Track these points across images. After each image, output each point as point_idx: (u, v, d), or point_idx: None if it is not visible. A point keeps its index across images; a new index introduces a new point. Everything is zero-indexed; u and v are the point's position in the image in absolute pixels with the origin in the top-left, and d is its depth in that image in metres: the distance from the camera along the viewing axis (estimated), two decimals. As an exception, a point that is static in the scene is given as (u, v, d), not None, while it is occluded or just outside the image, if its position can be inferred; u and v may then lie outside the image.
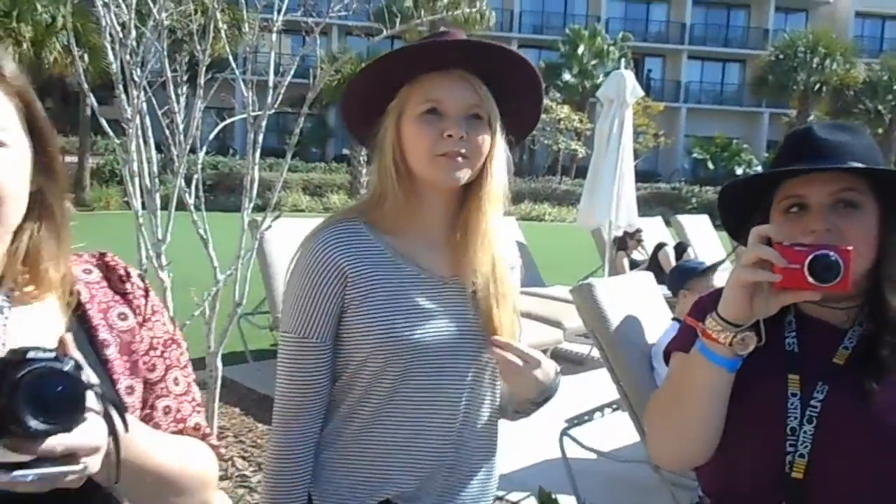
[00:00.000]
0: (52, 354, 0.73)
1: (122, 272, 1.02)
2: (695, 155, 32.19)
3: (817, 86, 26.67)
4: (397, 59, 1.30)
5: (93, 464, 0.75)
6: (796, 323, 1.19)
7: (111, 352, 0.95)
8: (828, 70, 26.48)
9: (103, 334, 0.95)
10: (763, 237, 1.08)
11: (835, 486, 1.09)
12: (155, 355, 1.01)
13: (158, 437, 0.93)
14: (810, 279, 1.03)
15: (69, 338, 0.78)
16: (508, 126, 1.34)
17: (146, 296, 1.03)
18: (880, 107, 26.18)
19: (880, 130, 25.76)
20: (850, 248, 1.03)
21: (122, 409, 0.79)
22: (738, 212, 1.27)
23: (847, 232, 1.11)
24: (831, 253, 1.03)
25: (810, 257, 1.03)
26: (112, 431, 0.77)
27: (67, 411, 0.72)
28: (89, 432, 0.74)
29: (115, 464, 0.77)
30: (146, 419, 0.98)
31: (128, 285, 1.01)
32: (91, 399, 0.75)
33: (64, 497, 0.76)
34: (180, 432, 1.01)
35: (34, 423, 0.69)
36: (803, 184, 1.15)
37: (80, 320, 0.94)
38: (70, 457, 0.72)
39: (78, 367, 0.75)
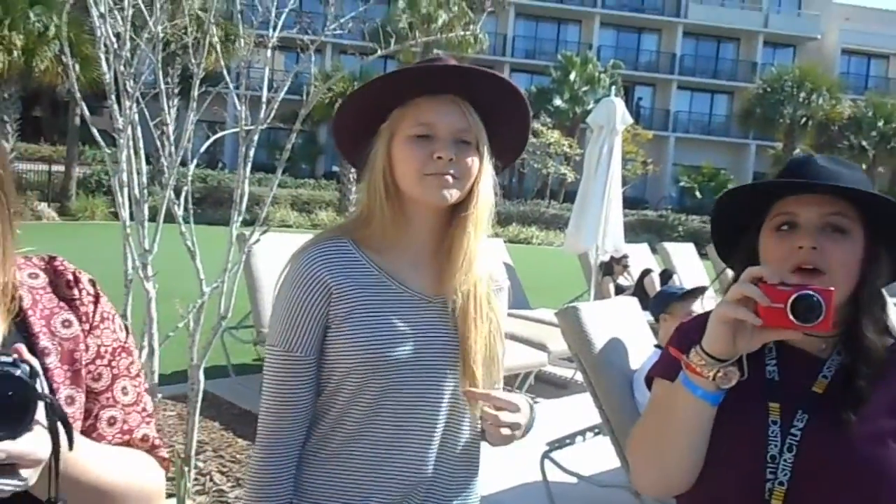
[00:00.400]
0: (10, 359, 0.73)
1: (69, 277, 0.98)
2: (682, 183, 32.51)
3: (803, 120, 27.10)
4: (390, 81, 1.32)
5: (32, 477, 0.73)
6: (776, 351, 1.21)
7: (51, 360, 0.91)
8: (814, 105, 26.94)
9: (44, 342, 0.91)
10: (755, 277, 1.09)
11: (813, 513, 1.10)
12: (101, 364, 0.97)
13: (99, 451, 0.90)
14: (792, 319, 1.04)
15: (23, 347, 0.77)
16: (496, 151, 1.36)
17: (96, 302, 0.99)
18: (864, 142, 26.60)
19: (864, 166, 26.06)
20: (832, 288, 1.04)
21: (69, 425, 0.77)
22: (729, 228, 1.28)
23: (832, 254, 1.13)
24: (814, 293, 1.04)
25: (793, 297, 1.04)
26: (55, 446, 0.75)
27: (15, 417, 0.71)
28: (34, 443, 0.72)
29: (55, 478, 0.76)
30: (89, 430, 0.95)
31: (75, 291, 0.97)
32: (39, 410, 0.74)
33: None
34: (127, 444, 0.98)
35: None
36: (797, 203, 1.17)
37: (19, 327, 0.91)
38: (10, 467, 0.71)
39: (34, 373, 0.74)
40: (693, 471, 1.17)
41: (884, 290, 1.22)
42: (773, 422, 1.14)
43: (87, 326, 0.96)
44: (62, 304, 0.96)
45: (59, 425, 0.76)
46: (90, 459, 0.85)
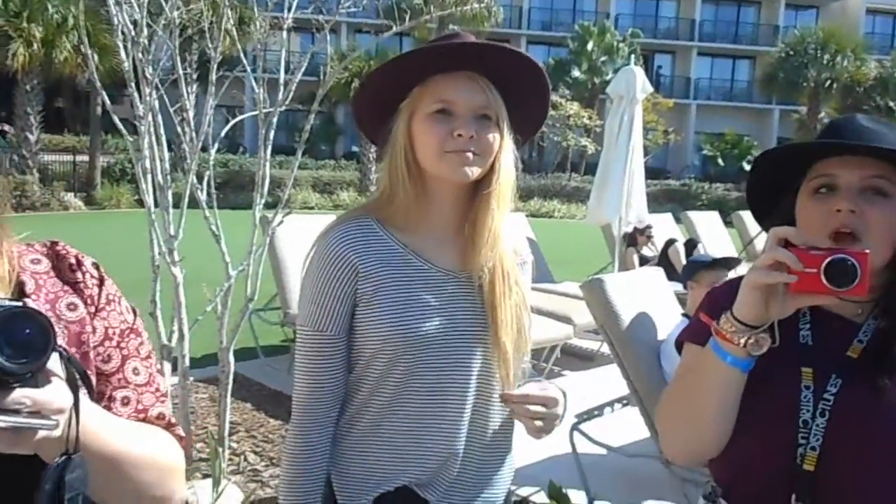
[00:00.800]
0: (20, 303, 0.74)
1: (72, 261, 0.98)
2: (705, 152, 32.10)
3: (828, 83, 26.53)
4: (409, 60, 1.32)
5: (61, 422, 0.74)
6: (810, 315, 1.19)
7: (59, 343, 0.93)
8: (838, 67, 26.34)
9: None
10: (781, 239, 1.07)
11: (845, 478, 1.09)
12: (110, 346, 0.97)
13: (114, 421, 0.89)
14: (826, 283, 1.02)
15: (29, 300, 0.77)
16: (516, 125, 1.36)
17: (100, 285, 0.98)
18: (891, 103, 26.02)
19: (891, 127, 25.53)
20: (867, 251, 1.02)
21: (87, 376, 0.77)
22: (767, 190, 1.26)
23: (870, 217, 1.10)
24: (848, 257, 1.01)
25: (826, 261, 1.01)
26: (74, 398, 0.75)
27: (35, 353, 0.71)
28: (54, 393, 0.73)
29: (75, 430, 0.76)
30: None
31: (78, 274, 0.97)
32: (55, 362, 0.74)
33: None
34: (143, 422, 0.98)
35: (1, 360, 0.69)
36: (836, 164, 1.14)
37: None
38: (36, 413, 0.72)
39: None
40: (723, 436, 1.16)
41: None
42: (805, 387, 1.13)
43: (92, 309, 0.96)
44: (66, 287, 0.96)
45: (77, 377, 0.76)
46: (103, 428, 0.84)
